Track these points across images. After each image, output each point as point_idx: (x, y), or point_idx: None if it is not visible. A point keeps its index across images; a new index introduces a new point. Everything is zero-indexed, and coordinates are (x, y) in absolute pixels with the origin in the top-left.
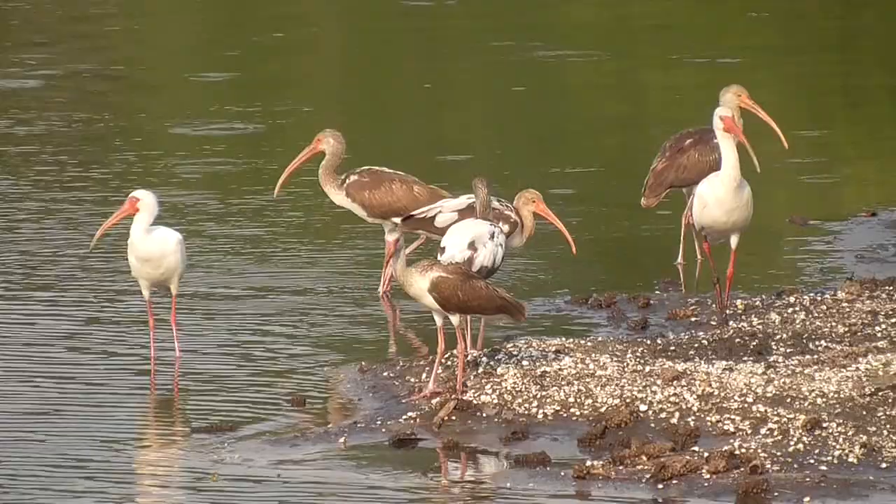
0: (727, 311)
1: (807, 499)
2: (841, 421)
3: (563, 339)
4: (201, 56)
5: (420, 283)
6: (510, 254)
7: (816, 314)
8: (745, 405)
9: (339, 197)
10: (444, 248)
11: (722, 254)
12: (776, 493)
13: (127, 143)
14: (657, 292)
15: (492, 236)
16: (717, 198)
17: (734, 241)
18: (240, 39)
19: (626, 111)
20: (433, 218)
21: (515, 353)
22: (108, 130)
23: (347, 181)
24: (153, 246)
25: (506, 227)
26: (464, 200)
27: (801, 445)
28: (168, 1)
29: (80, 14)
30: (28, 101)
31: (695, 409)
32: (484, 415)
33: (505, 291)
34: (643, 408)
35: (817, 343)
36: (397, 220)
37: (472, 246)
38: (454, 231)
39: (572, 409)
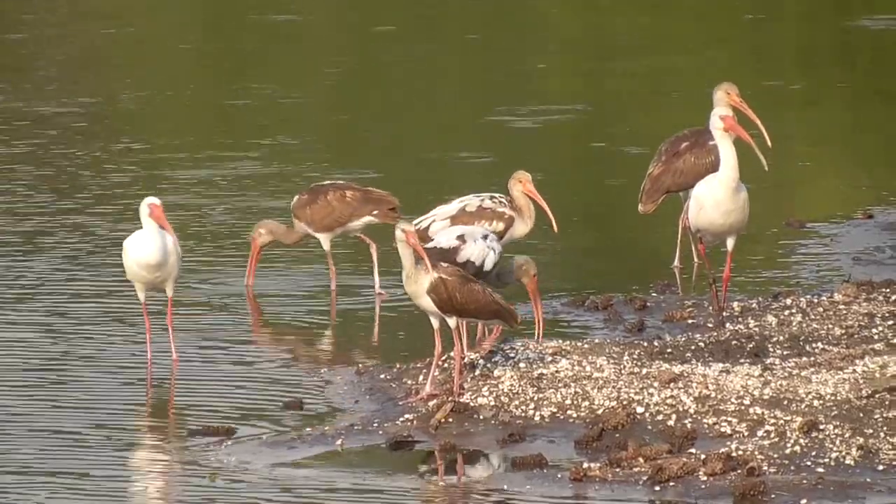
0: (724, 314)
1: (804, 501)
2: (838, 423)
3: (560, 341)
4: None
5: (420, 282)
6: (516, 247)
7: (813, 316)
8: (742, 407)
9: (298, 225)
10: (432, 240)
11: (718, 256)
12: (773, 496)
13: (126, 148)
14: (654, 294)
15: (484, 237)
16: (715, 199)
17: (730, 243)
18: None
19: (620, 112)
20: (427, 228)
21: (512, 355)
22: (106, 131)
23: (292, 203)
24: (158, 254)
25: (500, 226)
26: (455, 205)
27: (797, 447)
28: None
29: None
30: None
31: (692, 411)
32: (481, 417)
33: (501, 297)
34: (640, 410)
35: (814, 345)
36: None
37: (461, 238)
38: (447, 228)
39: (569, 412)
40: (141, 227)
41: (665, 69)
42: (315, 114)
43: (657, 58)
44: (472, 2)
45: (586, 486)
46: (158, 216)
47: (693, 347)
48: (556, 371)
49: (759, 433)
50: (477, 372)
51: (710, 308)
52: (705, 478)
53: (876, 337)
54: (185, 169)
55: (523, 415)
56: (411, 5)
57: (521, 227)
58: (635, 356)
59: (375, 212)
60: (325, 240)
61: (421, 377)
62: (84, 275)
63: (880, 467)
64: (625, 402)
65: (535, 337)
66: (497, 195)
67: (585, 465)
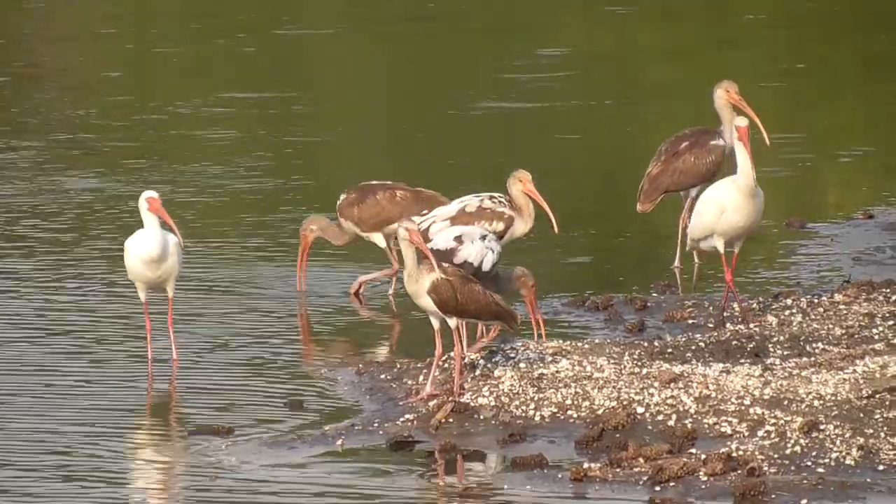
0: (724, 314)
1: (804, 501)
2: (838, 423)
3: (561, 341)
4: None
5: (421, 282)
6: (516, 247)
7: (813, 316)
8: (743, 407)
9: (345, 224)
10: (430, 240)
11: (714, 258)
12: (773, 496)
13: (135, 140)
14: (654, 294)
15: (483, 237)
16: (736, 204)
17: (738, 246)
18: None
19: (620, 114)
20: (427, 229)
21: (513, 355)
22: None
23: (338, 202)
24: (158, 247)
25: (500, 226)
26: (455, 206)
27: (798, 448)
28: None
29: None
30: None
31: (692, 411)
32: (481, 417)
33: (501, 299)
34: (640, 410)
35: (814, 345)
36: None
37: (458, 239)
38: (446, 229)
39: (569, 412)
40: (142, 229)
41: (665, 69)
42: (320, 114)
43: (658, 58)
44: (479, 5)
45: (586, 486)
46: (157, 209)
47: (693, 347)
48: (557, 371)
49: (760, 433)
50: (477, 372)
51: (711, 308)
52: (706, 478)
53: (876, 337)
54: (186, 166)
55: (523, 415)
56: None
57: (521, 227)
58: (636, 356)
59: (425, 212)
60: (378, 239)
61: (421, 377)
62: (84, 273)
63: (880, 467)
64: (625, 403)
65: (536, 337)
66: (496, 195)
67: (586, 465)
